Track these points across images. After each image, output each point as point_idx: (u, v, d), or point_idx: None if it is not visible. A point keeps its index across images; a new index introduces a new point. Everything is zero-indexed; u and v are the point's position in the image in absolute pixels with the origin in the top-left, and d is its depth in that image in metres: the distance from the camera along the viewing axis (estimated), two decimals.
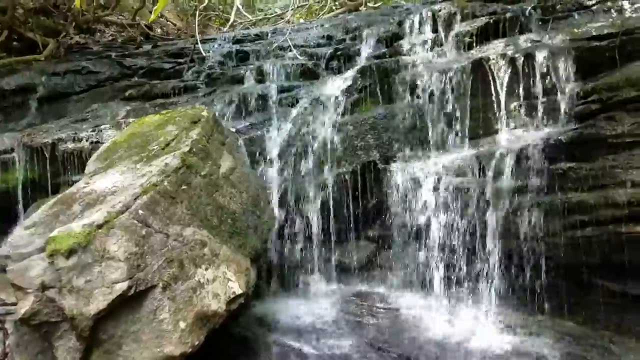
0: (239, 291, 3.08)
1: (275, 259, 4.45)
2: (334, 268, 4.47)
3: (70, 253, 2.66)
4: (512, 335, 3.54)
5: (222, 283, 3.03)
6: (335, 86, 4.90)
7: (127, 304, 2.75)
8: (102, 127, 4.94)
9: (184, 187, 3.12)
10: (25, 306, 2.65)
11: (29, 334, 2.85)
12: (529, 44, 4.21)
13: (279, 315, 3.92)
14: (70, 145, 4.81)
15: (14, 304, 2.76)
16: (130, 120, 4.82)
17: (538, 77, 4.02)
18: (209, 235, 3.15)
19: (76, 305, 2.64)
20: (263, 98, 5.07)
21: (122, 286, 2.69)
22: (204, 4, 6.63)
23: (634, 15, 4.26)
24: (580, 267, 3.62)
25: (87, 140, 4.80)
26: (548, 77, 4.01)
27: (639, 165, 3.40)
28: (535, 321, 3.66)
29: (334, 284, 4.39)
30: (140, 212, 2.84)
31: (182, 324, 2.80)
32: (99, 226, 2.73)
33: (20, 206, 4.80)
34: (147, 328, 2.77)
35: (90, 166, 3.62)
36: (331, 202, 4.46)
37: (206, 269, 2.99)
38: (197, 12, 6.07)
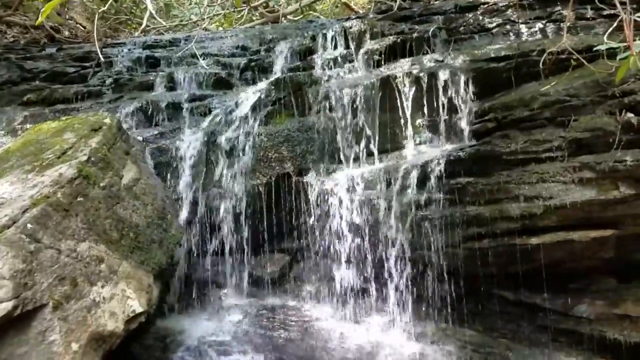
0: (139, 309, 2.95)
1: (184, 274, 4.31)
2: (246, 282, 4.40)
3: None
4: (418, 344, 3.65)
5: (120, 301, 2.89)
6: (249, 97, 4.87)
7: (13, 324, 2.55)
8: None
9: (79, 199, 2.94)
10: None
11: None
12: (433, 64, 4.41)
13: (185, 333, 3.79)
14: None
15: None
16: (28, 126, 4.52)
17: (441, 95, 4.21)
18: (107, 250, 2.99)
19: None
20: (174, 106, 4.94)
21: (6, 306, 2.48)
22: (105, 7, 6.35)
23: (530, 38, 4.57)
24: (479, 277, 3.79)
25: None
26: (450, 96, 4.21)
27: (531, 180, 3.62)
28: (439, 329, 3.80)
29: (246, 298, 4.32)
30: (29, 226, 2.65)
31: (74, 346, 2.64)
32: None
33: None
34: (35, 350, 2.58)
35: None
36: (244, 214, 4.40)
37: (102, 287, 2.84)
38: (104, 16, 5.80)
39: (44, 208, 2.75)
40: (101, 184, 3.16)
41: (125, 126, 4.22)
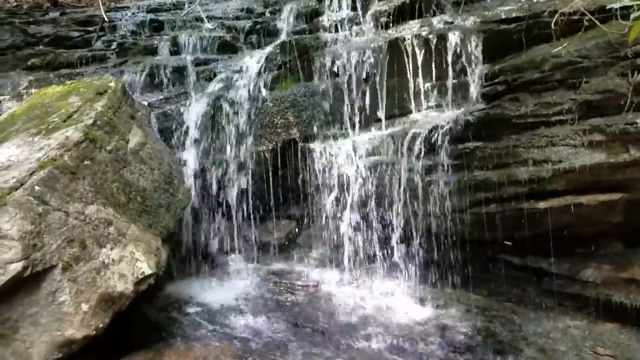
0: (148, 271, 2.97)
1: (192, 238, 4.33)
2: (253, 247, 4.43)
3: None
4: (424, 308, 3.67)
5: (129, 263, 2.91)
6: (254, 61, 4.80)
7: (23, 285, 2.58)
8: (2, 98, 4.58)
9: (86, 162, 2.94)
10: None
11: None
12: (442, 25, 4.31)
13: (193, 296, 3.84)
14: None
15: None
16: (33, 90, 4.49)
17: (450, 58, 4.13)
18: (115, 213, 3.00)
19: None
20: (178, 70, 4.88)
21: (16, 267, 2.51)
22: None
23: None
24: (485, 242, 3.79)
25: None
26: (459, 58, 4.13)
27: (540, 144, 3.59)
28: (445, 294, 3.82)
29: (253, 264, 4.35)
30: (37, 188, 2.65)
31: (84, 306, 2.67)
32: None
33: None
34: (46, 311, 2.62)
35: None
36: (251, 180, 4.40)
37: (111, 249, 2.86)
38: None
39: (51, 171, 2.74)
40: (107, 148, 3.14)
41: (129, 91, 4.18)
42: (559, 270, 3.75)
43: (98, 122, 3.15)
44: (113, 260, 2.85)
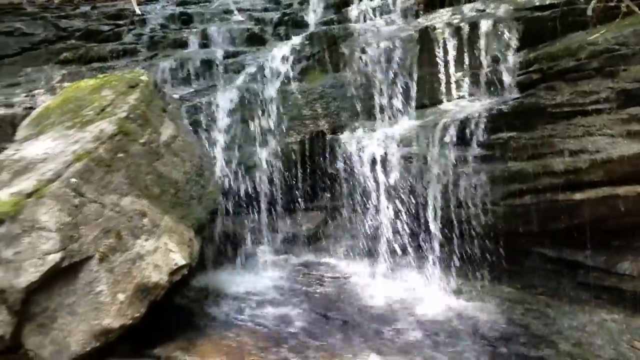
0: (181, 262, 3.00)
1: (221, 230, 4.37)
2: (282, 239, 4.44)
3: None
4: (455, 301, 3.63)
5: (163, 254, 2.95)
6: (282, 53, 4.80)
7: (61, 276, 2.64)
8: (36, 91, 4.69)
9: (120, 154, 2.98)
10: None
11: None
12: (474, 13, 4.22)
13: (224, 287, 3.88)
14: (2, 111, 4.55)
15: None
16: (66, 84, 4.57)
17: (482, 46, 4.05)
18: (149, 205, 3.04)
19: (5, 278, 2.51)
20: (208, 63, 4.92)
21: (54, 257, 2.57)
22: None
23: None
24: (519, 234, 3.72)
25: (19, 106, 4.54)
26: (492, 47, 4.04)
27: (576, 134, 3.49)
28: (477, 287, 3.76)
29: (282, 255, 4.37)
30: (73, 180, 2.70)
31: (120, 296, 2.72)
32: (28, 195, 2.59)
33: None
34: (83, 300, 2.68)
35: (20, 132, 3.41)
36: (279, 172, 4.41)
37: (146, 240, 2.90)
38: None
39: (87, 163, 2.79)
40: (141, 141, 3.18)
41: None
42: (594, 263, 3.65)
43: (131, 115, 3.18)
44: (148, 251, 2.89)
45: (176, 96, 4.54)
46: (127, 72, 3.96)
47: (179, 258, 3.01)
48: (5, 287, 2.50)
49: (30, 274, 2.51)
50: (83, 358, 2.66)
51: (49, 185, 2.64)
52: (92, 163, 2.81)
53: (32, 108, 4.39)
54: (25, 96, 4.64)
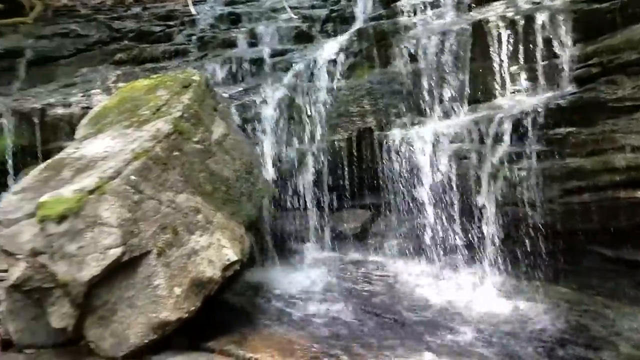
0: (233, 258, 3.04)
1: (269, 227, 4.41)
2: (328, 236, 4.44)
3: (61, 219, 2.61)
4: (509, 301, 3.53)
5: (216, 250, 3.00)
6: (330, 50, 4.79)
7: (121, 270, 2.73)
8: (92, 91, 4.85)
9: (176, 153, 3.05)
10: (16, 272, 2.62)
11: (21, 301, 2.83)
12: (530, 6, 4.09)
13: (273, 283, 3.91)
14: (60, 111, 4.72)
15: (5, 271, 2.72)
16: (121, 84, 4.71)
17: (538, 39, 3.92)
18: (202, 202, 3.10)
19: (69, 272, 2.61)
20: (256, 62, 4.98)
21: (115, 252, 2.65)
22: None
23: None
24: (576, 233, 3.60)
25: (77, 106, 4.70)
26: (548, 40, 3.91)
27: (639, 129, 3.35)
28: (532, 287, 3.65)
29: (329, 252, 4.37)
30: (132, 177, 2.78)
31: (177, 290, 2.78)
32: (90, 192, 2.68)
33: (10, 173, 4.71)
34: (142, 294, 2.75)
35: (80, 131, 3.54)
36: (326, 170, 4.41)
37: (200, 236, 2.96)
38: None
39: (145, 161, 2.87)
40: (194, 139, 3.24)
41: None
42: None
43: (185, 115, 3.25)
44: (202, 246, 2.95)
45: (226, 95, 4.61)
46: (180, 72, 4.05)
47: (231, 254, 3.05)
48: (68, 280, 2.60)
49: (92, 268, 2.60)
50: (141, 350, 2.73)
51: (109, 182, 2.72)
52: (150, 161, 2.89)
53: (88, 108, 4.54)
54: (82, 96, 4.80)
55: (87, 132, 3.40)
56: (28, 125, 4.71)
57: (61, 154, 3.18)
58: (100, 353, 2.72)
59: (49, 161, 3.15)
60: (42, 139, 4.67)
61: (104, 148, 3.01)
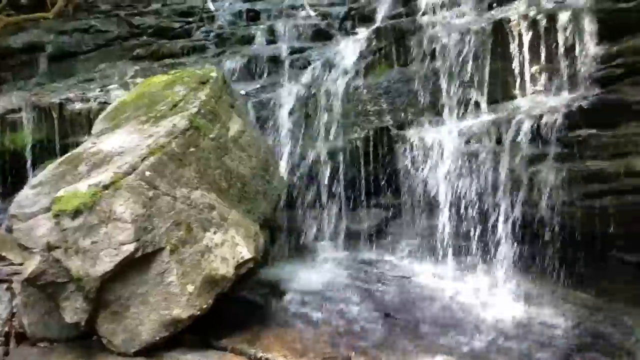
0: (247, 256, 3.03)
1: (284, 225, 4.40)
2: (343, 235, 4.42)
3: (76, 213, 2.63)
4: (526, 305, 3.47)
5: (230, 247, 2.99)
6: (348, 48, 4.76)
7: (134, 266, 2.73)
8: (110, 87, 4.88)
9: (192, 149, 3.05)
10: (31, 266, 2.63)
11: (35, 294, 2.85)
12: (552, 5, 4.00)
13: (287, 281, 3.89)
14: (78, 106, 4.76)
15: (21, 264, 2.75)
16: (139, 80, 4.74)
17: (560, 39, 3.84)
18: (217, 198, 3.09)
19: (82, 266, 2.62)
20: (274, 59, 4.97)
21: (129, 248, 2.66)
22: None
23: None
24: (596, 237, 3.54)
25: (95, 101, 4.74)
26: (571, 39, 3.82)
27: None
28: (549, 291, 3.60)
29: (343, 251, 4.35)
30: (147, 173, 2.79)
31: (190, 287, 2.78)
32: (105, 187, 2.69)
33: (29, 167, 4.77)
34: (154, 290, 2.76)
35: (97, 126, 3.56)
36: (342, 168, 4.39)
37: (214, 233, 2.95)
38: None
39: (160, 157, 2.87)
40: (210, 136, 3.24)
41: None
42: None
43: (202, 111, 3.25)
44: (216, 244, 2.94)
45: (243, 92, 4.60)
46: (198, 68, 4.06)
47: (245, 251, 3.04)
48: (82, 275, 2.62)
49: (105, 263, 2.61)
50: (153, 346, 2.74)
51: (125, 177, 2.73)
52: (165, 157, 2.89)
53: (106, 103, 4.57)
54: (100, 91, 4.84)
55: (104, 127, 3.42)
56: (47, 119, 4.75)
57: (78, 149, 3.20)
58: (112, 348, 2.74)
59: (66, 155, 3.17)
60: (60, 133, 4.71)
61: (120, 143, 3.02)
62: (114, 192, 2.67)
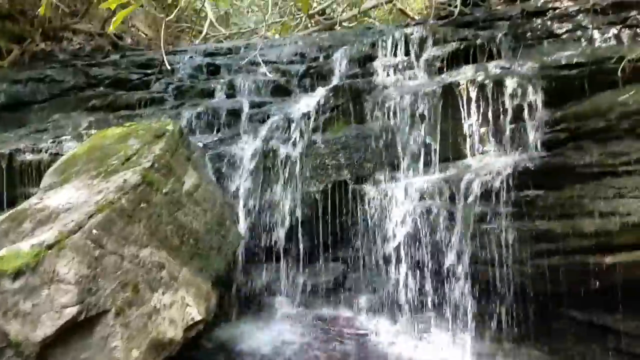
0: (198, 317, 2.95)
1: (240, 281, 4.30)
2: (300, 290, 4.35)
3: (17, 275, 2.51)
4: None
5: (180, 308, 2.90)
6: (307, 104, 4.84)
7: (77, 329, 2.60)
8: (63, 138, 4.76)
9: (142, 205, 2.98)
10: None
11: None
12: (499, 71, 4.23)
13: (241, 340, 3.77)
14: (29, 157, 4.61)
15: None
16: (93, 131, 4.65)
17: (507, 104, 4.03)
18: (167, 256, 3.01)
19: (22, 331, 2.48)
20: (233, 113, 4.99)
21: (71, 311, 2.54)
22: (171, 16, 6.50)
23: (603, 45, 4.32)
24: (547, 295, 3.59)
25: (46, 152, 4.60)
26: (517, 104, 4.01)
27: (606, 195, 3.40)
28: (503, 349, 3.62)
29: (300, 307, 4.27)
30: (94, 231, 2.69)
31: (135, 353, 2.66)
32: (49, 246, 2.58)
33: None
34: (98, 356, 2.62)
35: (46, 179, 3.45)
36: (300, 222, 4.37)
37: (163, 294, 2.86)
38: (166, 24, 5.93)
39: (109, 214, 2.79)
40: (164, 190, 3.19)
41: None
42: (626, 329, 3.49)
43: (156, 165, 3.21)
44: (164, 305, 2.84)
45: (200, 144, 4.57)
46: (154, 121, 4.03)
47: (195, 313, 2.95)
48: (20, 340, 2.47)
49: (46, 327, 2.48)
50: None
51: (70, 236, 2.63)
52: (114, 214, 2.81)
53: (58, 154, 4.44)
54: (52, 142, 4.71)
55: (53, 181, 3.32)
56: None
57: (24, 204, 3.08)
58: None
59: (10, 212, 3.04)
60: (8, 185, 4.53)
61: (67, 199, 2.93)
62: (58, 252, 2.57)
